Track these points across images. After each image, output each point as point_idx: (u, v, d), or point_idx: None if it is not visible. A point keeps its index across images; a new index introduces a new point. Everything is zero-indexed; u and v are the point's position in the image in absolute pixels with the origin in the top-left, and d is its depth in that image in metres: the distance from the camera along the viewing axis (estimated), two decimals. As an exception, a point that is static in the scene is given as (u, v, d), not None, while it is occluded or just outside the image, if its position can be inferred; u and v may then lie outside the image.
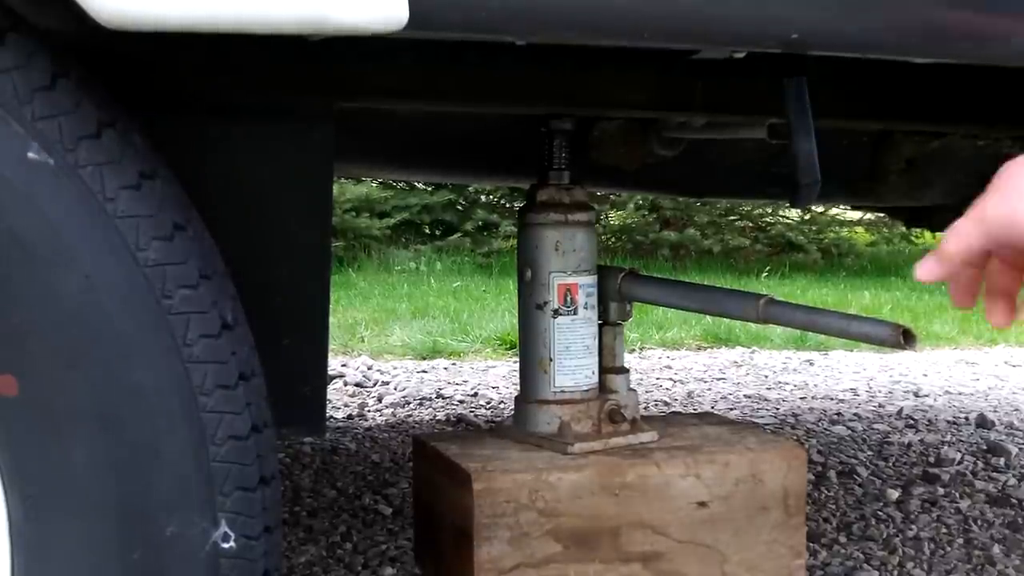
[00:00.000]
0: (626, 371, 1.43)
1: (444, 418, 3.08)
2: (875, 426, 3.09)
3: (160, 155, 0.93)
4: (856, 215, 8.12)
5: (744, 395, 3.60)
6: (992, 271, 0.89)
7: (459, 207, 7.88)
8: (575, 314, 1.37)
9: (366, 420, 3.07)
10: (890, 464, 2.64)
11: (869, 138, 1.70)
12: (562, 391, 1.38)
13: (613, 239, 8.01)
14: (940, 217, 2.07)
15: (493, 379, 3.76)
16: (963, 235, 0.86)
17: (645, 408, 3.21)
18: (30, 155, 0.83)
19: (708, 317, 5.26)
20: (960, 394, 3.72)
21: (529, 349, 1.40)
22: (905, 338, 1.11)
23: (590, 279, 1.39)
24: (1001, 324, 0.93)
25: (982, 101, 1.40)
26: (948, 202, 1.86)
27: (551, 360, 1.38)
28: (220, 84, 1.11)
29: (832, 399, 3.56)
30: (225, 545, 0.89)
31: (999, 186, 0.86)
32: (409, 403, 3.31)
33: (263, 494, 0.92)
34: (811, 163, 1.06)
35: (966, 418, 3.23)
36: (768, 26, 0.89)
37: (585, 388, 1.39)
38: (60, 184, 0.84)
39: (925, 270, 0.92)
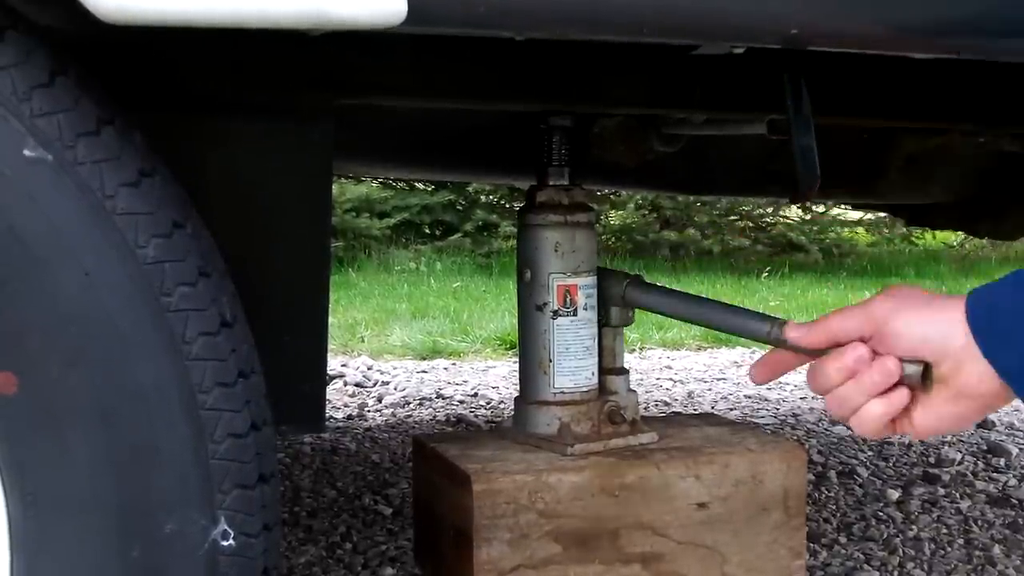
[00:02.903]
0: (626, 372, 1.43)
1: (444, 418, 3.08)
2: (875, 427, 3.08)
3: (159, 152, 0.92)
4: (857, 215, 8.12)
5: (744, 395, 3.59)
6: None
7: (459, 207, 7.89)
8: (575, 315, 1.37)
9: (366, 420, 3.07)
10: (890, 464, 2.64)
11: (870, 135, 1.69)
12: (562, 392, 1.38)
13: (613, 239, 8.01)
14: (940, 215, 2.07)
15: (493, 379, 3.76)
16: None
17: (645, 408, 3.21)
18: (29, 152, 0.83)
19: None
20: (960, 395, 3.70)
21: (529, 350, 1.40)
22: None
23: (590, 280, 1.38)
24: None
25: (982, 98, 1.39)
26: (948, 200, 1.85)
27: (551, 361, 1.37)
28: (218, 81, 1.11)
29: (832, 399, 3.55)
30: (224, 543, 0.89)
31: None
32: (409, 403, 3.31)
33: (262, 492, 0.92)
34: (811, 159, 1.05)
35: (966, 419, 3.22)
36: (767, 21, 0.89)
37: (585, 389, 1.39)
38: (59, 181, 0.84)
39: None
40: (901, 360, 0.91)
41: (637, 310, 1.42)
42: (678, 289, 1.41)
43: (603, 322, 1.41)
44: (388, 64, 1.18)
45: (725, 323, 1.29)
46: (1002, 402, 0.92)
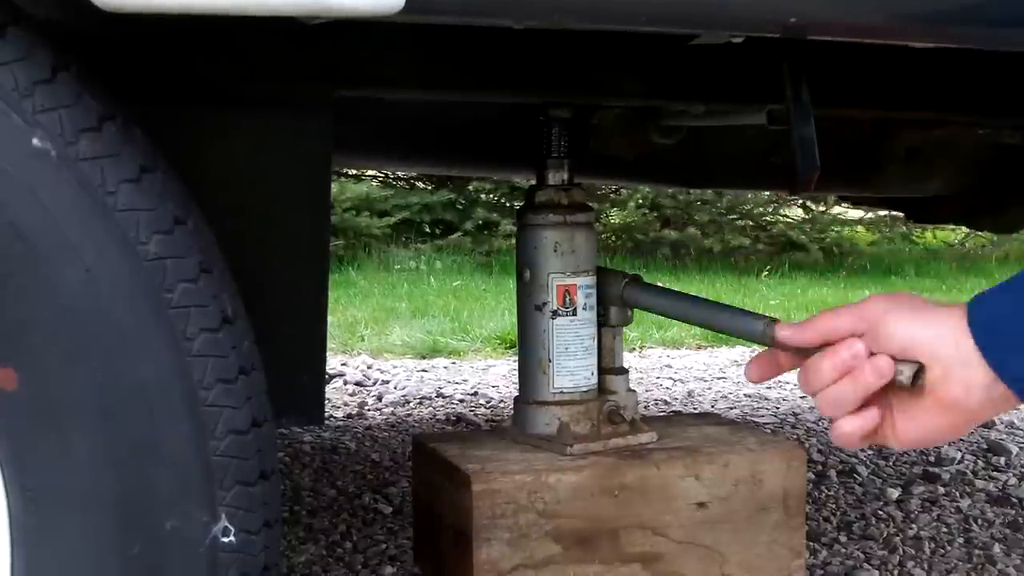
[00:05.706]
0: (625, 372, 1.43)
1: (444, 417, 3.08)
2: (875, 426, 3.08)
3: (158, 147, 0.92)
4: (858, 214, 8.11)
5: (744, 394, 3.59)
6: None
7: (459, 206, 7.87)
8: (574, 315, 1.37)
9: (366, 419, 3.07)
10: (890, 463, 2.64)
11: (870, 126, 1.69)
12: (561, 392, 1.38)
13: (613, 238, 8.00)
14: (940, 209, 2.06)
15: (493, 378, 3.76)
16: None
17: (645, 408, 3.21)
18: (31, 147, 0.83)
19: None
20: (960, 394, 3.70)
21: (528, 350, 1.40)
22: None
23: (589, 280, 1.38)
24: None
25: (982, 89, 1.39)
26: (948, 193, 1.85)
27: (550, 361, 1.37)
28: (217, 73, 1.11)
29: (832, 399, 3.55)
30: (225, 540, 0.89)
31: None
32: (409, 402, 3.31)
33: (263, 489, 0.92)
34: (810, 149, 1.05)
35: (966, 418, 3.22)
36: (766, 10, 0.89)
37: (584, 389, 1.39)
38: (61, 177, 0.84)
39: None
40: (894, 360, 0.89)
41: (636, 310, 1.42)
42: (675, 289, 1.40)
43: (602, 322, 1.41)
44: (386, 55, 1.17)
45: (720, 323, 1.29)
46: (983, 416, 0.90)
